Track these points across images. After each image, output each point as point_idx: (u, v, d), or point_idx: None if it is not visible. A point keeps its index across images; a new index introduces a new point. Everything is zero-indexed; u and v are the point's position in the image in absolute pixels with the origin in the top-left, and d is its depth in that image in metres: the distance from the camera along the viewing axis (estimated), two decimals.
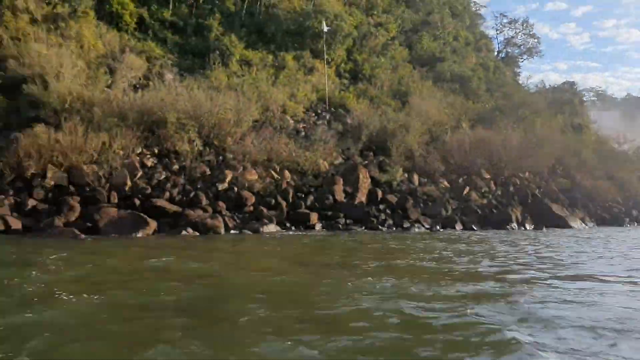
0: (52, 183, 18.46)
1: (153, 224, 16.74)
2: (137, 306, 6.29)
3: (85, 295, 6.56)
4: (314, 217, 19.84)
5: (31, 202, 17.67)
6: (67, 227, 16.20)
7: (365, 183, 22.77)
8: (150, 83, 24.90)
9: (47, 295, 6.60)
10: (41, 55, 22.54)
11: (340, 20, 33.24)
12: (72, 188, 18.56)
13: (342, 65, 34.52)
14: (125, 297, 6.65)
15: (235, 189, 20.53)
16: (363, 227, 20.24)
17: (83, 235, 15.01)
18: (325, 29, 30.43)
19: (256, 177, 21.39)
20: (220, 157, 22.33)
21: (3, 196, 17.72)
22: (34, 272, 8.09)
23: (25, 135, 18.77)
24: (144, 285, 7.53)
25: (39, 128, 19.05)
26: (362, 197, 22.26)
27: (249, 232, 17.69)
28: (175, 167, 21.03)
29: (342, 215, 20.66)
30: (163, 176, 20.31)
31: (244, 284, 8.04)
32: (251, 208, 20.02)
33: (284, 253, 12.80)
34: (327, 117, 28.76)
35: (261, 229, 18.07)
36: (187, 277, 8.29)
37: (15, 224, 16.54)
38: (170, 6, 30.18)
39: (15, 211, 17.32)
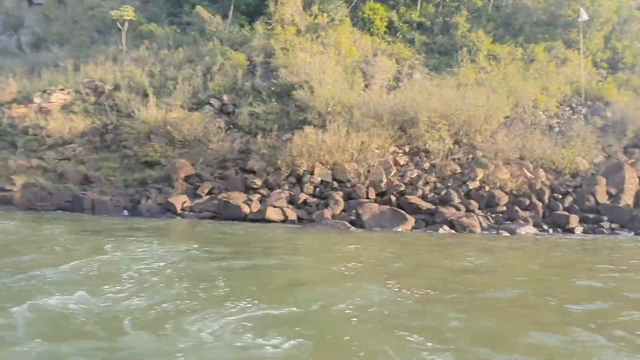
0: (319, 179, 20.50)
1: (411, 220, 17.55)
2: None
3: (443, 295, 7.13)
4: (574, 219, 18.66)
5: (302, 196, 19.91)
6: (334, 220, 17.89)
7: (632, 184, 20.65)
8: (400, 84, 26.00)
9: (376, 283, 7.32)
10: (306, 63, 25.11)
11: (598, 6, 30.52)
12: (335, 184, 20.41)
13: (599, 54, 31.59)
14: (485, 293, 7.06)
15: (487, 187, 20.33)
16: (632, 233, 18.42)
17: (353, 228, 16.43)
18: (585, 17, 28.14)
19: (508, 175, 20.86)
20: (470, 155, 22.28)
21: (280, 190, 20.33)
22: (360, 264, 9.01)
23: (297, 136, 21.13)
24: (487, 282, 7.85)
25: (309, 129, 21.27)
26: (628, 199, 20.23)
27: (505, 233, 17.38)
28: (426, 165, 21.63)
29: (605, 218, 19.08)
30: (415, 174, 21.05)
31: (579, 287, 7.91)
32: (503, 208, 19.61)
33: (579, 256, 12.25)
34: (583, 111, 26.67)
35: (518, 230, 17.63)
36: (509, 276, 8.44)
37: (291, 215, 18.85)
38: (418, 7, 30.96)
39: (289, 203, 19.71)
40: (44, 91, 24.12)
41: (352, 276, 7.89)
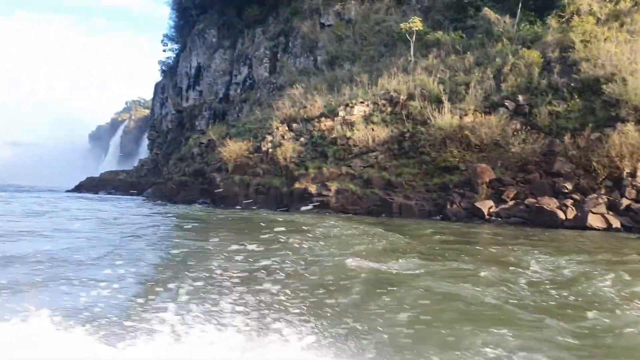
0: None
1: None
2: None
3: None
4: None
5: (624, 201, 17.93)
6: None
7: None
8: None
9: None
10: (611, 54, 22.73)
11: None
12: None
13: None
14: None
15: None
16: None
17: None
18: None
19: None
20: None
21: (596, 195, 18.64)
22: None
23: (615, 135, 19.14)
24: None
25: (628, 126, 19.12)
26: None
27: None
28: None
29: None
30: None
31: None
32: None
33: None
34: None
35: None
36: None
37: (615, 222, 17.09)
38: None
39: (609, 209, 17.91)
40: (347, 105, 26.23)
41: None
